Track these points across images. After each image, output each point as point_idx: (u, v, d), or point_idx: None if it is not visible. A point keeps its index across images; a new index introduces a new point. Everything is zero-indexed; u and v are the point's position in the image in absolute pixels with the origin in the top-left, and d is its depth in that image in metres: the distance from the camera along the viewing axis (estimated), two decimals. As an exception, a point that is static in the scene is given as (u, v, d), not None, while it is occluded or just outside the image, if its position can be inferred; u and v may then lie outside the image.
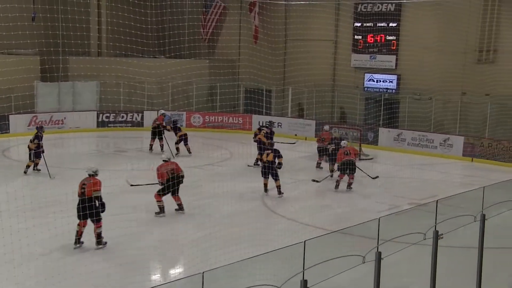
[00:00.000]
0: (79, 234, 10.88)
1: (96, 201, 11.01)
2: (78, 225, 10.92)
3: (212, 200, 14.61)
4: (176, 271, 10.38)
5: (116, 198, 14.07)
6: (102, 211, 11.06)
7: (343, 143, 17.56)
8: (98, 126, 26.76)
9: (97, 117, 26.96)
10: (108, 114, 26.97)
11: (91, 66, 26.84)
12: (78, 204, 10.89)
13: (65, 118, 26.24)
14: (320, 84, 27.53)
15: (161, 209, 13.21)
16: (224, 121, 27.64)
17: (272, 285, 6.23)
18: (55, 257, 10.08)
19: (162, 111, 22.34)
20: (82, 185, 11.12)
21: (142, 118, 26.86)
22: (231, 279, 9.26)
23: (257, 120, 26.90)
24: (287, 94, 28.51)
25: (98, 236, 10.89)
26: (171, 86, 27.76)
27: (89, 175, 11.39)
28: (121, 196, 14.69)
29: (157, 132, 21.33)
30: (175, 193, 13.26)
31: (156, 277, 10.02)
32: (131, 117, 27.21)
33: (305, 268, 6.62)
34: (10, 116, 24.36)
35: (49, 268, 9.51)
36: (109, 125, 26.99)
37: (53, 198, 13.98)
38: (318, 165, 19.77)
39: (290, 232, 12.40)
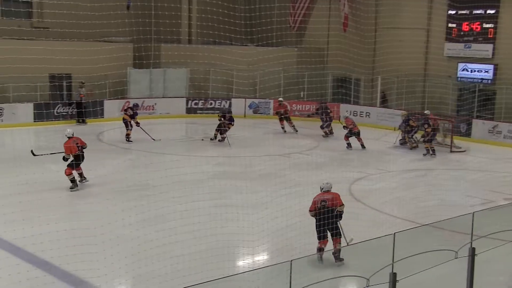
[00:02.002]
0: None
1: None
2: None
3: (298, 189, 14.53)
4: (263, 258, 10.39)
5: (205, 184, 14.31)
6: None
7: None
8: (187, 112, 27.30)
9: (186, 104, 27.49)
10: (197, 101, 27.45)
11: (182, 53, 27.33)
12: None
13: (155, 104, 26.93)
14: (410, 74, 26.76)
15: (74, 182, 13.99)
16: (311, 109, 27.44)
17: (361, 277, 6.10)
18: (142, 240, 10.34)
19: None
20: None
21: (230, 105, 27.11)
22: (317, 268, 9.19)
23: (345, 109, 26.55)
24: (376, 84, 27.93)
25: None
26: (259, 74, 27.88)
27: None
28: (210, 182, 14.91)
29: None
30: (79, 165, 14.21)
31: (243, 263, 10.07)
32: (219, 104, 27.55)
33: (394, 261, 6.44)
34: (104, 101, 25.27)
35: (136, 251, 9.77)
36: (197, 111, 27.47)
37: (144, 182, 14.36)
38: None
39: (378, 224, 12.14)
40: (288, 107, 24.68)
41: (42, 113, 22.75)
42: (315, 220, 9.93)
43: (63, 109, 24.40)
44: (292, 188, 14.50)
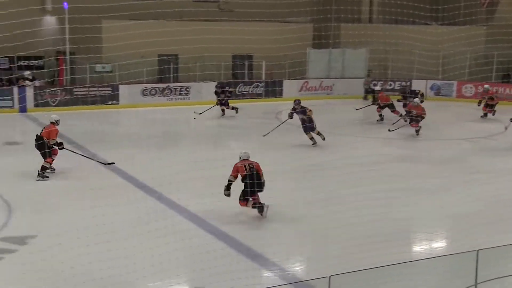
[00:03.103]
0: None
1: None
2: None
3: (480, 176, 13.53)
4: (441, 246, 9.83)
5: (379, 166, 13.92)
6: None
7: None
8: (365, 93, 26.80)
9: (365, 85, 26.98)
10: (375, 82, 26.80)
11: (362, 33, 26.78)
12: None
13: (333, 84, 26.79)
14: None
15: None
16: (499, 92, 25.46)
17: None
18: (319, 220, 10.29)
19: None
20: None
21: (410, 86, 26.10)
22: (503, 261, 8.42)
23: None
24: None
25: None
26: (442, 55, 26.48)
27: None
28: (387, 164, 14.48)
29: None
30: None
31: (420, 249, 9.58)
32: (399, 85, 26.66)
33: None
34: (284, 81, 25.67)
35: (311, 230, 9.77)
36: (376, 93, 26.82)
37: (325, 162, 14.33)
38: None
39: None
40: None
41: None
42: (244, 183, 10.31)
43: (245, 88, 25.24)
44: (474, 174, 13.58)
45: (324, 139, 16.04)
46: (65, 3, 22.82)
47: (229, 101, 21.49)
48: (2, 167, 13.36)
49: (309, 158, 14.98)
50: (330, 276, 5.57)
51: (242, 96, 25.02)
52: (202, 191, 11.32)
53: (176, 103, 24.21)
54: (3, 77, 23.13)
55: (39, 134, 12.69)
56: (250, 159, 10.60)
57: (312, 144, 16.15)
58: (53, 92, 22.45)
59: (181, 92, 24.51)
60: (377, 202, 10.83)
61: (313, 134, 16.17)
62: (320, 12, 23.54)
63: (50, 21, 25.51)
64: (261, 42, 24.15)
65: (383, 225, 9.84)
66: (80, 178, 12.65)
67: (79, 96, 22.68)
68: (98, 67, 24.12)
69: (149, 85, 24.00)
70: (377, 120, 20.51)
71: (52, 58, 24.98)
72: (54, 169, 12.93)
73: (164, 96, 24.25)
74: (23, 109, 21.62)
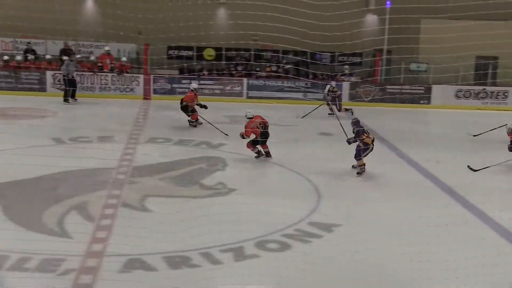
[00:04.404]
0: None
1: None
2: None
3: None
4: None
5: None
6: None
7: None
8: None
9: None
10: None
11: None
12: None
13: None
14: None
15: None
16: None
17: None
18: None
19: None
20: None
21: None
22: None
23: None
24: None
25: None
26: None
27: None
28: None
29: None
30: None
31: None
32: None
33: None
34: None
35: None
36: None
37: None
38: None
39: None
40: None
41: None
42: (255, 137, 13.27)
43: None
44: None
45: None
46: (388, 2, 23.38)
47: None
48: (315, 155, 14.35)
49: None
50: None
51: None
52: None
53: (491, 108, 23.05)
54: (323, 72, 24.76)
55: (182, 99, 17.09)
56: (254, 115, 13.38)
57: None
58: (367, 88, 23.31)
59: (498, 97, 23.24)
60: None
61: None
62: None
63: (371, 20, 26.42)
64: None
65: None
66: (380, 172, 12.92)
67: (392, 94, 23.11)
68: (413, 66, 24.26)
69: (464, 87, 23.27)
70: None
71: (370, 56, 25.87)
72: (201, 123, 16.95)
73: (478, 99, 23.29)
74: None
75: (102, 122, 17.20)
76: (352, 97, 23.09)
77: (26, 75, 22.28)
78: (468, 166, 13.14)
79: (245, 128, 13.47)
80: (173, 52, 25.00)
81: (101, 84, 22.64)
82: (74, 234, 8.64)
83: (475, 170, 12.99)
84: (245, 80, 23.35)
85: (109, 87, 22.47)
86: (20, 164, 10.37)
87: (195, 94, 17.26)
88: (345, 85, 23.27)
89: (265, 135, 13.42)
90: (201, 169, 12.76)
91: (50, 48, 23.87)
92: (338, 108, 20.20)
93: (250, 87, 23.34)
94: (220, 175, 12.29)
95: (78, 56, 23.35)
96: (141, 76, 22.85)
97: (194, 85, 17.70)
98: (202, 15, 22.46)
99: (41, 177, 11.31)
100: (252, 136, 13.40)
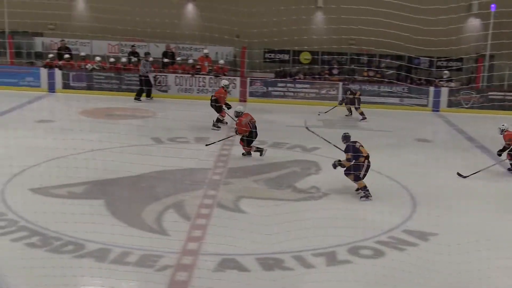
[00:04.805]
0: None
1: None
2: None
3: None
4: None
5: None
6: None
7: None
8: None
9: None
10: None
11: None
12: None
13: None
14: None
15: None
16: None
17: None
18: None
19: None
20: None
21: None
22: None
23: None
24: None
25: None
26: None
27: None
28: None
29: None
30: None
31: None
32: None
33: None
34: None
35: None
36: None
37: None
38: None
39: None
40: None
41: None
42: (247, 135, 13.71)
43: None
44: None
45: None
46: (493, 6, 22.45)
47: None
48: (412, 161, 14.03)
49: None
50: None
51: None
52: None
53: None
54: (422, 77, 24.12)
55: (213, 95, 17.57)
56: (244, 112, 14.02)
57: None
58: (468, 93, 22.53)
59: None
60: None
61: None
62: None
63: (474, 24, 25.46)
64: None
65: None
66: (481, 181, 12.50)
67: (494, 100, 22.20)
68: (516, 71, 23.18)
69: None
70: None
71: (471, 61, 24.95)
72: (227, 122, 17.28)
73: None
74: (436, 108, 22.40)
75: (200, 123, 17.63)
76: (451, 103, 22.38)
77: (128, 77, 23.19)
78: (458, 173, 12.79)
79: (237, 125, 13.89)
80: (270, 55, 25.21)
81: (199, 86, 23.21)
82: (171, 231, 8.94)
83: (464, 177, 12.66)
84: (340, 84, 23.15)
85: (207, 89, 22.96)
86: (122, 162, 10.83)
87: (225, 91, 17.76)
88: (444, 91, 22.62)
89: (254, 134, 13.87)
90: (294, 172, 12.84)
91: (152, 50, 24.66)
92: (357, 108, 20.14)
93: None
94: (314, 179, 12.30)
95: (178, 58, 24.10)
96: (238, 79, 23.20)
97: (225, 81, 18.32)
98: (298, 20, 22.45)
99: (141, 175, 11.78)
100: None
